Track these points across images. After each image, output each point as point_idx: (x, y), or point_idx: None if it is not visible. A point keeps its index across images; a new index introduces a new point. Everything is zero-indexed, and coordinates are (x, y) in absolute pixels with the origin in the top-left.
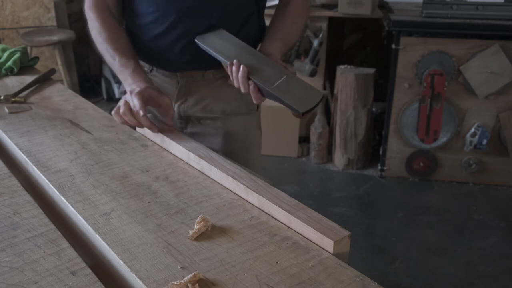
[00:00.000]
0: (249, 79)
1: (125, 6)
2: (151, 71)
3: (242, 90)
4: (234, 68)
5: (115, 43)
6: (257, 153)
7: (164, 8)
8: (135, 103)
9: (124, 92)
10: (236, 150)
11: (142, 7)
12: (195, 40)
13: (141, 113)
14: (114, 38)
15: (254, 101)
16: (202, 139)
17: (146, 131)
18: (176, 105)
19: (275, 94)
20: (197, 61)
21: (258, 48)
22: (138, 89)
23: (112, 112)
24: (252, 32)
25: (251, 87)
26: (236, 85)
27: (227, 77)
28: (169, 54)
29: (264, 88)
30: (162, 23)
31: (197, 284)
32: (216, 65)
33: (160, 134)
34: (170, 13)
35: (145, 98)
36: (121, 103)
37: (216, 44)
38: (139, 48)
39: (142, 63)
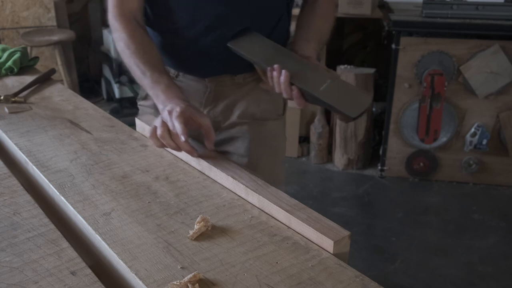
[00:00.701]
0: (291, 84)
1: (154, 11)
2: (176, 76)
3: (285, 95)
4: (275, 73)
5: (145, 57)
6: (282, 160)
7: (197, 14)
8: (176, 126)
9: (144, 99)
10: (263, 156)
11: (175, 12)
12: (228, 45)
13: (183, 138)
14: (144, 51)
15: (298, 106)
16: (229, 144)
17: (146, 131)
18: (205, 111)
19: (322, 99)
20: (228, 66)
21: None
22: (178, 109)
23: (148, 134)
24: (282, 35)
25: (295, 92)
26: (277, 90)
27: (257, 80)
28: (200, 59)
29: (309, 93)
30: (195, 29)
31: (197, 284)
32: (246, 68)
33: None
34: (204, 19)
35: (186, 120)
36: (157, 123)
37: (251, 48)
38: (168, 53)
39: (167, 68)
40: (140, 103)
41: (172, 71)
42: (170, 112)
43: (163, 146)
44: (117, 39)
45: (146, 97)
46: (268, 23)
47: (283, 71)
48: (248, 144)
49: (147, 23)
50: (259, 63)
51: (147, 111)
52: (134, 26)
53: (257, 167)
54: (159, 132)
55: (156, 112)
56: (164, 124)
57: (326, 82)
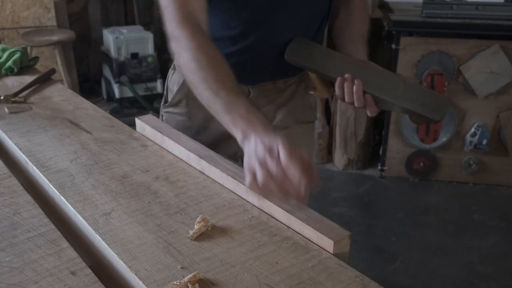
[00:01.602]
0: (364, 92)
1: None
2: None
3: (357, 104)
4: (347, 83)
5: (218, 74)
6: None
7: (248, 23)
8: (292, 173)
9: (174, 105)
10: None
11: (225, 20)
12: (286, 58)
13: (303, 191)
14: (217, 67)
15: (369, 114)
16: None
17: (146, 131)
18: None
19: (400, 105)
20: (273, 74)
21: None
22: (284, 147)
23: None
24: (322, 37)
25: (368, 100)
26: (347, 100)
27: (297, 83)
28: (246, 68)
29: (385, 100)
30: (244, 39)
31: (197, 284)
32: (288, 73)
33: (160, 134)
34: (254, 28)
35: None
36: (254, 164)
37: (310, 57)
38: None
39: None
40: (167, 110)
41: None
42: (270, 150)
43: (271, 194)
44: (181, 49)
45: (177, 104)
46: (313, 27)
47: (356, 81)
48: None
49: None
50: (325, 73)
51: (176, 119)
52: (202, 37)
53: None
54: (260, 178)
55: (189, 121)
56: (264, 165)
57: (399, 86)
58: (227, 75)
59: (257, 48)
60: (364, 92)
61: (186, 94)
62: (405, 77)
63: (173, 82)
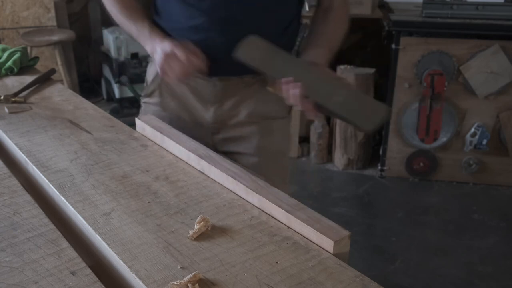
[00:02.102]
0: (306, 96)
1: (161, 10)
2: None
3: (298, 108)
4: (288, 86)
5: (128, 11)
6: (288, 157)
7: (209, 15)
8: (179, 54)
9: (148, 95)
10: (272, 155)
11: (181, 14)
12: (234, 55)
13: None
14: (126, 7)
15: (309, 117)
16: (237, 144)
17: (146, 131)
18: (212, 109)
19: (336, 112)
20: (235, 68)
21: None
22: (168, 46)
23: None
24: (293, 38)
25: (308, 105)
26: (289, 102)
27: (265, 80)
28: (211, 60)
29: (323, 105)
30: (206, 31)
31: (197, 284)
32: (255, 70)
33: (160, 134)
34: (210, 22)
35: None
36: (159, 57)
37: (259, 57)
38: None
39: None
40: (144, 100)
41: None
42: (165, 53)
43: (175, 72)
44: (109, 9)
45: (151, 94)
46: (279, 27)
47: (298, 85)
48: (257, 143)
49: (159, 21)
50: (270, 74)
51: (151, 109)
52: None
53: (267, 166)
54: (163, 62)
55: (163, 111)
56: (166, 56)
57: (341, 94)
58: (134, 10)
59: (219, 41)
60: (306, 97)
61: (159, 84)
62: (351, 85)
63: (149, 74)
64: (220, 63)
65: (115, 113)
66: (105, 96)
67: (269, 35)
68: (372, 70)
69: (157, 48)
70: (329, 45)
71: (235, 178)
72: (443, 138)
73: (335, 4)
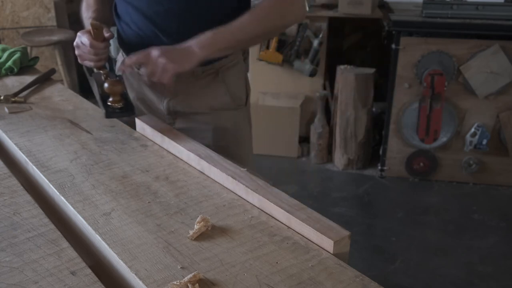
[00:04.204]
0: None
1: (118, 12)
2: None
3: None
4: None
5: (87, 10)
6: (249, 148)
7: (133, 15)
8: (83, 40)
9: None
10: (226, 145)
11: (120, 10)
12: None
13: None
14: (89, 5)
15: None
16: (192, 134)
17: (146, 131)
18: (165, 101)
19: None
20: None
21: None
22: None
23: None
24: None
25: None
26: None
27: (215, 73)
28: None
29: None
30: (135, 27)
31: (197, 284)
32: (205, 62)
33: (160, 134)
34: (138, 19)
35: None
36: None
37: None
38: (127, 44)
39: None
40: None
41: None
42: (75, 43)
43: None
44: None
45: None
46: (215, 19)
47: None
48: (211, 134)
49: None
50: None
51: None
52: None
53: (223, 156)
54: (76, 50)
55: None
56: (76, 45)
57: None
58: (91, 8)
59: (163, 36)
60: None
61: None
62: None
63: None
64: None
65: None
66: None
67: (207, 27)
68: (372, 70)
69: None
70: (231, 26)
71: (235, 178)
72: (443, 138)
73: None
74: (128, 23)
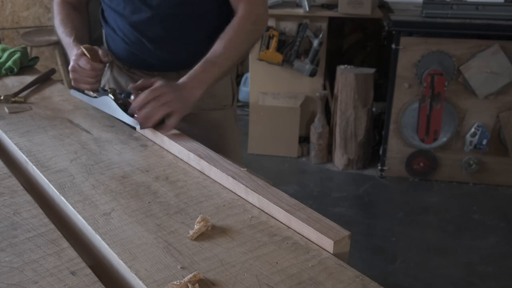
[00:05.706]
0: None
1: (106, 18)
2: (130, 68)
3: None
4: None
5: (65, 25)
6: (236, 147)
7: (118, 21)
8: (81, 63)
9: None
10: (213, 145)
11: (106, 15)
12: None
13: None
14: (64, 22)
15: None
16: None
17: (146, 131)
18: None
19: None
20: (169, 64)
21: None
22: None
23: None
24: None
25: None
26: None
27: None
28: (138, 58)
29: None
30: (121, 33)
31: (197, 284)
32: (190, 66)
33: (160, 134)
34: (123, 26)
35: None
36: (70, 68)
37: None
38: (114, 49)
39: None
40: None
41: (127, 65)
42: (72, 67)
43: (80, 83)
44: (54, 20)
45: (103, 86)
46: (201, 32)
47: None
48: (198, 134)
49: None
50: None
51: None
52: (65, 5)
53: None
54: (71, 74)
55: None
56: (72, 68)
57: None
58: (69, 24)
59: (150, 44)
60: None
61: (108, 79)
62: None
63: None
64: (155, 61)
65: None
66: None
67: (191, 33)
68: (372, 70)
69: (70, 60)
70: (215, 58)
71: (235, 178)
72: (443, 138)
73: (239, 12)
74: (114, 29)
